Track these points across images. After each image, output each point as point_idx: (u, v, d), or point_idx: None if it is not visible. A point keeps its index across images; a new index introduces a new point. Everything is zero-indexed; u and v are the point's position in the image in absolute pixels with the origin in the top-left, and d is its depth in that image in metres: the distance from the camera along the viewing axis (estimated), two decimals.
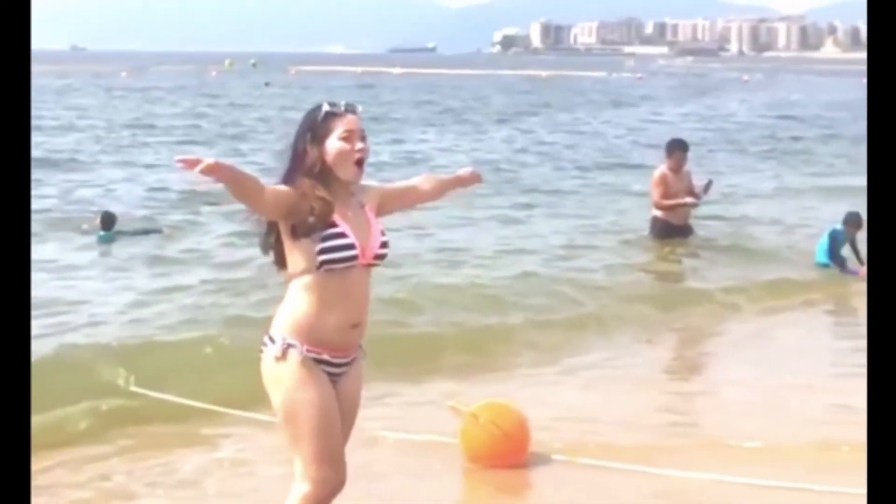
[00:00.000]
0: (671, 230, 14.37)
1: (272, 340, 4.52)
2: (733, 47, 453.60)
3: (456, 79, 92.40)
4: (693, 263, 13.75)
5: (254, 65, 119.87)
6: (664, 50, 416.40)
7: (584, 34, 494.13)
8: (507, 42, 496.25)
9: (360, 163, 4.52)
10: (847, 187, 21.51)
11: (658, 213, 14.39)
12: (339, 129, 4.48)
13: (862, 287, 12.80)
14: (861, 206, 14.80)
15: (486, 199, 18.77)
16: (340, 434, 4.56)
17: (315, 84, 74.47)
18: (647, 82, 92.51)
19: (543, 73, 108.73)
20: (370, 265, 4.58)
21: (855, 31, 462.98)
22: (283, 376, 4.47)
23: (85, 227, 15.24)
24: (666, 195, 14.19)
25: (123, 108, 40.27)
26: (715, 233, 15.30)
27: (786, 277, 13.05)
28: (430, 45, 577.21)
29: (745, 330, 11.08)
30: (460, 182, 5.13)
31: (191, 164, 4.08)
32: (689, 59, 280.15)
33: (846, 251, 13.58)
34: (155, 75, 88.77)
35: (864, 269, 13.25)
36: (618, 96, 62.87)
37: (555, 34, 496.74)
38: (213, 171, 4.11)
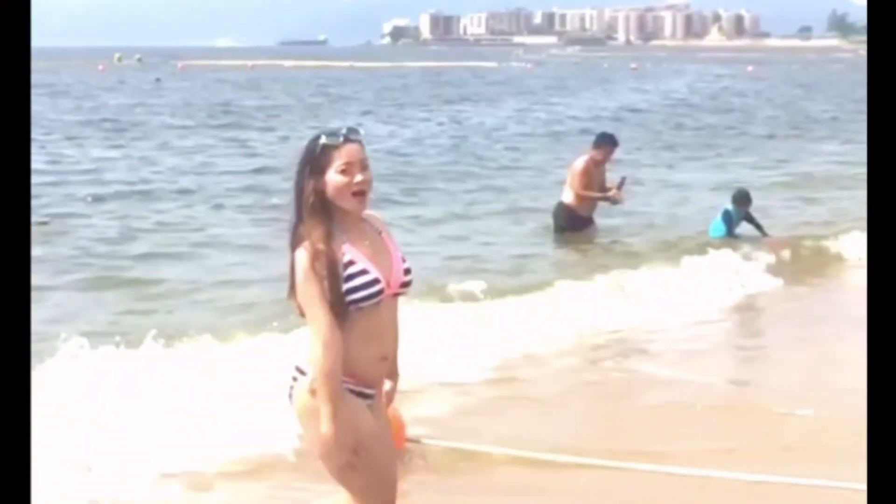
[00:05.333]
0: (576, 221, 14.48)
1: (302, 373, 4.39)
2: (620, 36, 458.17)
3: (350, 71, 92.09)
4: (597, 255, 13.84)
5: (139, 60, 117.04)
6: (553, 40, 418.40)
7: (473, 25, 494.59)
8: (397, 33, 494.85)
9: (359, 194, 4.36)
10: (738, 177, 21.94)
11: (567, 200, 14.47)
12: (337, 161, 4.30)
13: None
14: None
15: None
16: (386, 457, 4.52)
17: (205, 77, 73.50)
18: (537, 72, 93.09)
19: (433, 66, 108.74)
20: (397, 294, 4.47)
21: (739, 19, 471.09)
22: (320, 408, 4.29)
23: None
24: (588, 186, 14.34)
25: None
26: (616, 223, 15.37)
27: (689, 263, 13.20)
28: (321, 37, 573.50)
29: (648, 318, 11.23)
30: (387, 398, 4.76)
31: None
32: (578, 48, 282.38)
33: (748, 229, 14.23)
34: (44, 72, 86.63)
35: (769, 239, 13.82)
36: (512, 87, 63.14)
37: (444, 25, 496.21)
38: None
